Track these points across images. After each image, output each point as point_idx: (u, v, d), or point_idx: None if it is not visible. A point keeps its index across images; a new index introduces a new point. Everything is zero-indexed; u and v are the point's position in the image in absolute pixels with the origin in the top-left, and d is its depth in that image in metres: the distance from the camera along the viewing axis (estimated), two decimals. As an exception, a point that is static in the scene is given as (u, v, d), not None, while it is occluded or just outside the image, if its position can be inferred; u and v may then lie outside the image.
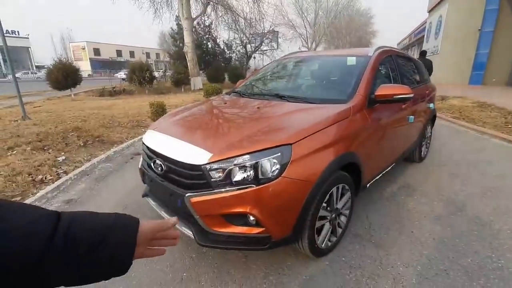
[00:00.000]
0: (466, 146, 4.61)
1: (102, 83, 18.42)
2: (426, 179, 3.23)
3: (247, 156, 1.52)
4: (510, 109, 6.94)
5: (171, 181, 1.73)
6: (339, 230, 2.02)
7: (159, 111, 6.88)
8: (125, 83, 16.10)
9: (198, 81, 16.80)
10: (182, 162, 1.62)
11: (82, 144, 4.63)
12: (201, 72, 20.08)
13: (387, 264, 1.85)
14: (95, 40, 52.07)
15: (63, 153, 4.12)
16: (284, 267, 1.83)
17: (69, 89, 11.86)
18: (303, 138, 1.61)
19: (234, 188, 1.50)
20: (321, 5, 29.04)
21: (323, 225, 1.84)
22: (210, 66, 21.55)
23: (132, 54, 55.61)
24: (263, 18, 20.44)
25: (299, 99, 2.23)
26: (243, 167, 1.51)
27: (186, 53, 16.27)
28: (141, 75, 13.96)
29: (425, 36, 23.29)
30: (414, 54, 29.78)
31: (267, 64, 3.49)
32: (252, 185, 1.49)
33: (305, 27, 30.31)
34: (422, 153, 3.76)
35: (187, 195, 1.58)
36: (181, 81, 15.92)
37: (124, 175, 3.48)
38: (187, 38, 15.76)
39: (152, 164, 1.86)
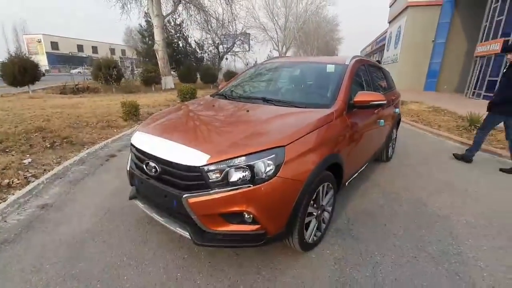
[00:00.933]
0: (425, 147, 5.12)
1: (62, 79, 17.11)
2: (394, 177, 3.56)
3: (243, 158, 1.60)
4: (460, 113, 7.80)
5: (165, 183, 1.75)
6: (323, 226, 2.18)
7: (132, 111, 6.64)
8: (90, 81, 15.16)
9: (169, 80, 16.37)
10: (179, 164, 1.65)
11: (48, 146, 4.34)
12: (172, 71, 19.57)
13: (366, 254, 2.04)
14: (53, 33, 47.96)
15: (28, 155, 3.83)
16: (275, 262, 1.94)
17: (27, 86, 10.87)
18: (295, 140, 1.73)
19: (232, 188, 1.57)
20: (291, 10, 29.88)
21: (310, 221, 1.98)
22: (181, 66, 21.07)
23: (95, 49, 52.20)
24: (235, 20, 20.54)
25: (286, 103, 2.36)
26: (240, 168, 1.59)
27: (156, 51, 15.77)
28: (107, 73, 13.25)
29: (386, 45, 25.08)
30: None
31: (248, 68, 3.58)
32: (249, 185, 1.57)
33: (276, 31, 30.96)
34: (389, 154, 4.12)
35: (184, 196, 1.62)
36: (151, 80, 15.39)
37: (102, 178, 3.35)
38: (158, 36, 15.28)
39: (144, 166, 1.85)
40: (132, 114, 6.68)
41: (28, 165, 3.48)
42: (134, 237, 2.19)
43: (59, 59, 44.32)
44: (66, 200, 2.77)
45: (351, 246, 2.13)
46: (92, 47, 52.64)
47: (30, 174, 3.22)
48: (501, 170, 3.83)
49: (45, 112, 7.02)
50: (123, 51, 54.46)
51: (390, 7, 24.12)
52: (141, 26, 22.45)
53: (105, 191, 2.97)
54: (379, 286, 1.74)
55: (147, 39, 22.51)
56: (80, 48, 50.92)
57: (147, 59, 21.01)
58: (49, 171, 3.36)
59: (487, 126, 4.01)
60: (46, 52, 45.39)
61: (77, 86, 14.13)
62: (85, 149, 4.37)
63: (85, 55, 47.36)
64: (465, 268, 1.92)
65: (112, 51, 50.68)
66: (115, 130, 5.73)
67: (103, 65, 13.02)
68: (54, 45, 47.08)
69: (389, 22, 24.24)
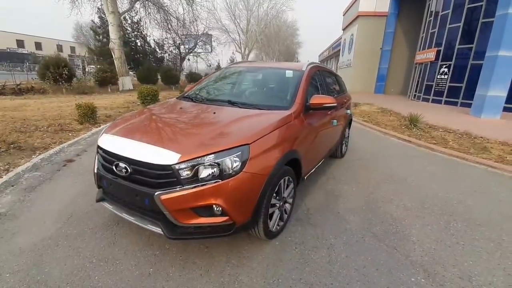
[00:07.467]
0: (374, 144, 5.73)
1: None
2: (347, 171, 3.98)
3: (212, 156, 1.75)
4: (403, 114, 8.78)
5: (137, 182, 1.82)
6: (285, 216, 2.41)
7: (88, 113, 6.30)
8: (35, 80, 13.81)
9: (127, 81, 15.63)
10: (151, 164, 1.74)
11: (-8, 152, 3.98)
12: (130, 71, 18.68)
13: (322, 238, 2.32)
14: (-16, 26, 42.19)
15: (-31, 163, 3.50)
16: (242, 251, 2.11)
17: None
18: (258, 139, 1.93)
19: (202, 183, 1.71)
20: (253, 13, 30.37)
21: (273, 212, 2.19)
22: (140, 66, 20.23)
23: (38, 45, 47.18)
24: (196, 20, 20.32)
25: (250, 105, 2.55)
26: (209, 165, 1.74)
27: (112, 50, 14.96)
28: (57, 72, 12.24)
29: (341, 50, 26.85)
30: (332, 66, 33.94)
31: (213, 72, 3.72)
32: (218, 180, 1.73)
33: (238, 33, 31.21)
34: (343, 151, 4.56)
35: (156, 193, 1.71)
36: (107, 81, 14.55)
37: (60, 184, 3.20)
38: (114, 34, 14.52)
39: (114, 167, 1.90)
40: (89, 117, 6.34)
41: (-29, 173, 3.19)
42: (102, 239, 2.20)
43: (-7, 56, 39.14)
44: (21, 208, 2.62)
45: (310, 232, 2.40)
46: (36, 43, 47.45)
47: (-26, 183, 2.96)
48: None
49: (-17, 115, 6.33)
50: (72, 48, 50.18)
51: (343, 15, 25.90)
52: (93, 22, 21.08)
53: (66, 196, 2.87)
54: (332, 263, 2.02)
55: (100, 36, 21.24)
56: (20, 43, 45.58)
57: (101, 58, 19.79)
58: (-3, 178, 3.13)
59: None
60: (-24, 47, 39.83)
61: (19, 86, 12.80)
62: (36, 155, 4.10)
63: (26, 52, 42.52)
64: (401, 243, 2.30)
65: (60, 48, 46.41)
66: (70, 134, 5.41)
67: (51, 63, 11.98)
68: (-14, 39, 41.48)
69: (343, 29, 26.02)
